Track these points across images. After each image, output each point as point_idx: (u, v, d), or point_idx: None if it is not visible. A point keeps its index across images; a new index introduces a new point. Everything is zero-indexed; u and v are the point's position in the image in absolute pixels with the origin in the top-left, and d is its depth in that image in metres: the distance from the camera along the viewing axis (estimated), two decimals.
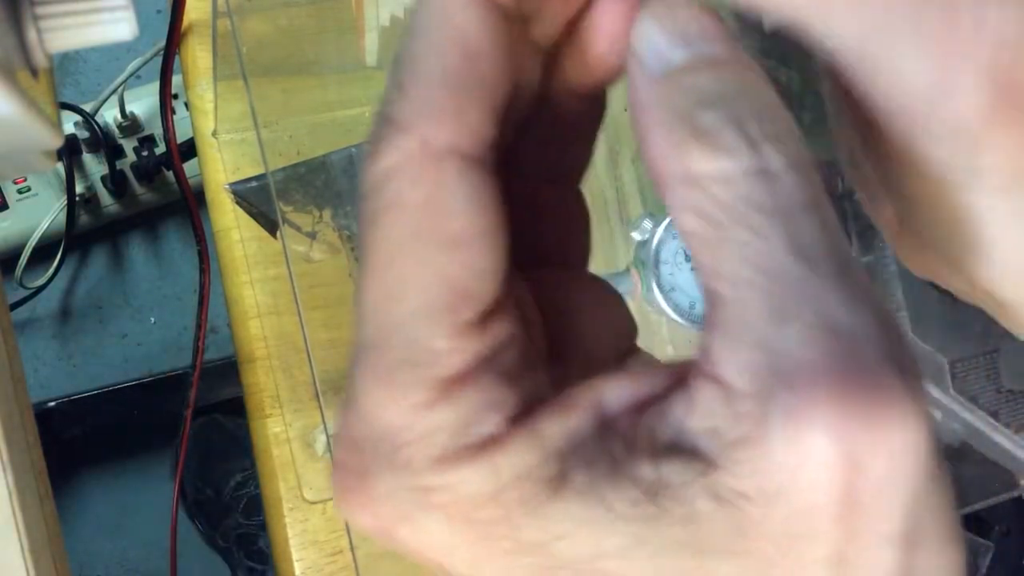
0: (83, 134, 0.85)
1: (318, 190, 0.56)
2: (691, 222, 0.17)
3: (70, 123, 0.84)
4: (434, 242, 0.17)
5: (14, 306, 0.86)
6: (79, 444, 1.11)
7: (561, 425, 0.17)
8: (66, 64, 0.97)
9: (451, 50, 0.17)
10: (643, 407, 0.17)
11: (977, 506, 0.72)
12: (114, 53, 0.96)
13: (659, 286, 0.58)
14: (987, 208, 0.19)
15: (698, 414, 0.17)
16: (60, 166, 0.84)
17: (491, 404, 0.17)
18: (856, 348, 0.16)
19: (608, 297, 0.23)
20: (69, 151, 0.84)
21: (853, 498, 0.16)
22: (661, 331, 0.63)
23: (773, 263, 0.16)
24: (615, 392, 0.18)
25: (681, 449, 0.17)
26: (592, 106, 0.22)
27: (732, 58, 0.18)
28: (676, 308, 0.59)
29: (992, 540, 0.73)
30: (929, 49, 0.17)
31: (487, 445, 0.17)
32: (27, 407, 0.43)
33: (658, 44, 0.18)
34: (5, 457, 0.40)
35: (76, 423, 1.08)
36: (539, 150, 0.22)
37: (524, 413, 0.18)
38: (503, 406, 0.17)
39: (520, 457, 0.17)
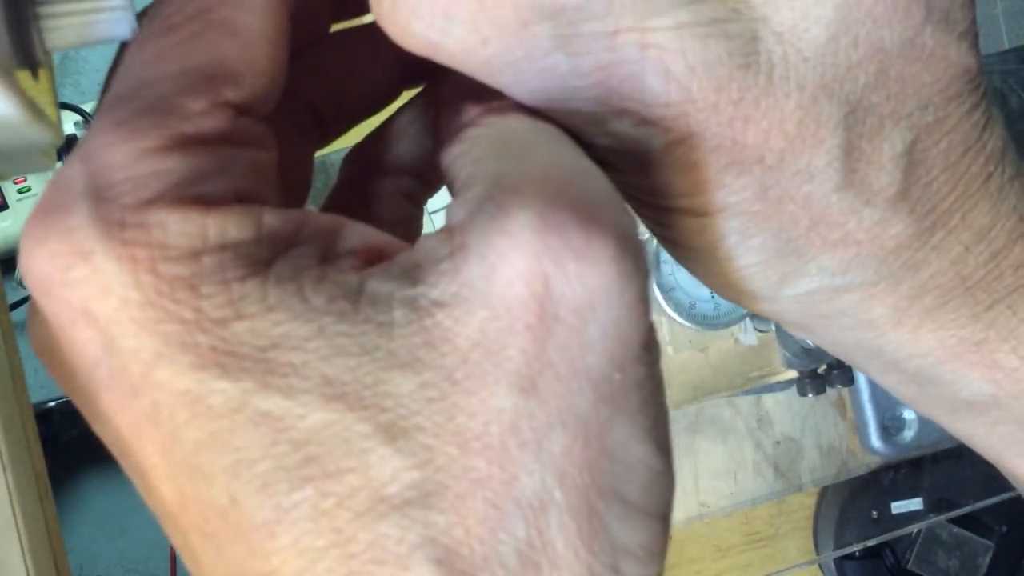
0: (83, 134, 0.85)
1: (318, 191, 0.56)
2: (456, 148, 0.19)
3: (70, 123, 0.84)
4: (221, 24, 0.18)
5: (14, 306, 0.86)
6: (79, 444, 1.11)
7: (285, 225, 0.17)
8: (66, 64, 0.97)
9: None
10: (374, 258, 0.17)
11: (977, 506, 0.72)
12: (114, 53, 0.96)
13: (659, 286, 0.58)
14: (717, 235, 0.20)
15: (416, 252, 0.17)
16: (60, 166, 0.84)
17: (224, 172, 0.17)
18: (578, 178, 0.17)
19: None
20: (69, 151, 0.84)
21: (547, 305, 0.15)
22: (661, 331, 0.63)
23: (515, 136, 0.18)
24: (353, 232, 0.17)
25: (393, 275, 0.16)
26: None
27: None
28: (676, 307, 0.59)
29: (992, 540, 0.73)
30: (591, 105, 0.19)
31: (204, 204, 0.16)
32: (27, 407, 0.43)
33: None
34: (5, 457, 0.40)
35: (76, 423, 1.07)
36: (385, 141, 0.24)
37: (255, 201, 0.17)
38: (237, 180, 0.17)
39: (233, 227, 0.16)
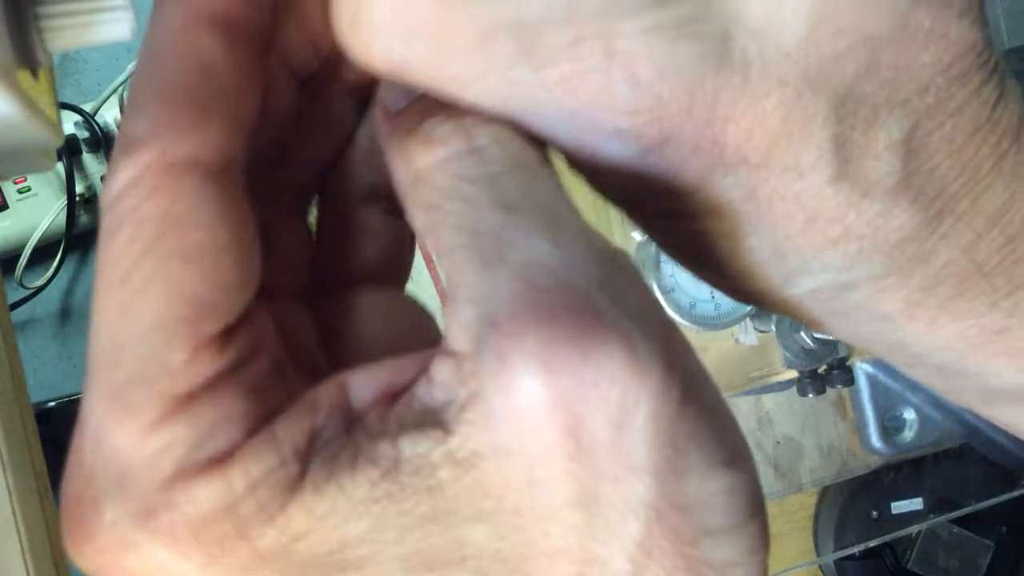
0: (83, 134, 0.85)
1: None
2: (420, 218, 0.18)
3: (70, 123, 0.84)
4: (173, 255, 0.16)
5: (14, 306, 0.86)
6: None
7: (300, 425, 0.17)
8: (66, 64, 0.97)
9: (188, 67, 0.17)
10: (394, 397, 0.17)
11: (977, 506, 0.72)
12: (114, 53, 0.96)
13: (659, 286, 0.58)
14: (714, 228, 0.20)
15: (436, 389, 0.16)
16: (60, 166, 0.84)
17: (229, 418, 0.16)
18: (562, 281, 0.16)
19: (415, 321, 0.23)
20: (69, 151, 0.85)
21: (582, 434, 0.16)
22: None
23: (480, 222, 0.17)
24: (361, 383, 0.17)
25: (423, 426, 0.16)
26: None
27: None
28: (676, 308, 0.59)
29: (992, 540, 0.73)
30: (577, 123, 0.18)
31: (221, 459, 0.16)
32: (27, 407, 0.43)
33: (396, 89, 0.20)
34: (5, 457, 0.40)
35: (76, 423, 1.07)
36: (357, 170, 0.23)
37: (265, 421, 0.17)
38: (243, 419, 0.17)
39: (255, 464, 0.16)
